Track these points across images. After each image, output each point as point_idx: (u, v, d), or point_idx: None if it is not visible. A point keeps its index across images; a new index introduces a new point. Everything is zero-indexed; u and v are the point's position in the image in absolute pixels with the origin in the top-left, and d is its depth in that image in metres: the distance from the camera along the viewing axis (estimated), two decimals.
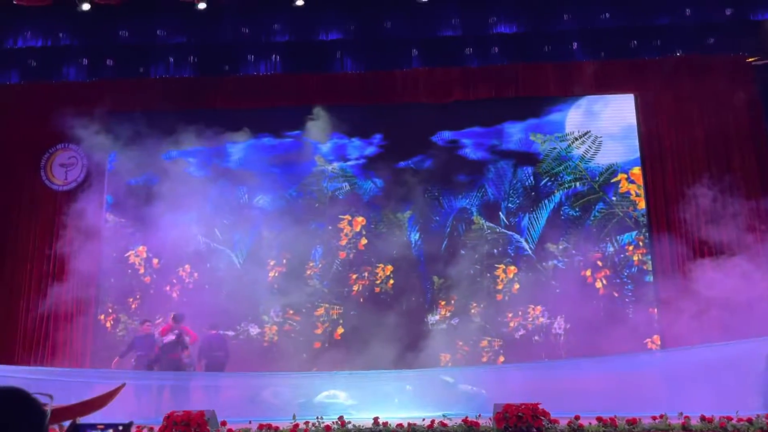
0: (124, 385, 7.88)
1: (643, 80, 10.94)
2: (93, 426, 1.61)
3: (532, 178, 11.17)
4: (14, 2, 8.87)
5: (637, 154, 11.08)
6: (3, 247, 11.13)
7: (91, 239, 11.03)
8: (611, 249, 10.82)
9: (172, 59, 10.05)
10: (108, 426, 1.58)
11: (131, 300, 11.14)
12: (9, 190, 11.29)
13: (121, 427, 1.59)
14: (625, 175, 11.04)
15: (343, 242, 11.13)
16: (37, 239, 11.25)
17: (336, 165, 11.38)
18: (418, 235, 11.12)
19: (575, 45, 10.07)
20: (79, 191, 11.28)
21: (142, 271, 11.22)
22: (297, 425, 6.79)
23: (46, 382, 7.69)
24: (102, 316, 11.10)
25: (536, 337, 10.51)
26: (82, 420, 1.55)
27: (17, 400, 1.39)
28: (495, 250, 10.96)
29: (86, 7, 9.17)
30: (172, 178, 10.88)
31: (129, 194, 11.36)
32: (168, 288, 11.12)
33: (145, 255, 11.28)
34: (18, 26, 9.52)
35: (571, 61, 10.48)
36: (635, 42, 9.91)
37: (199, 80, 10.63)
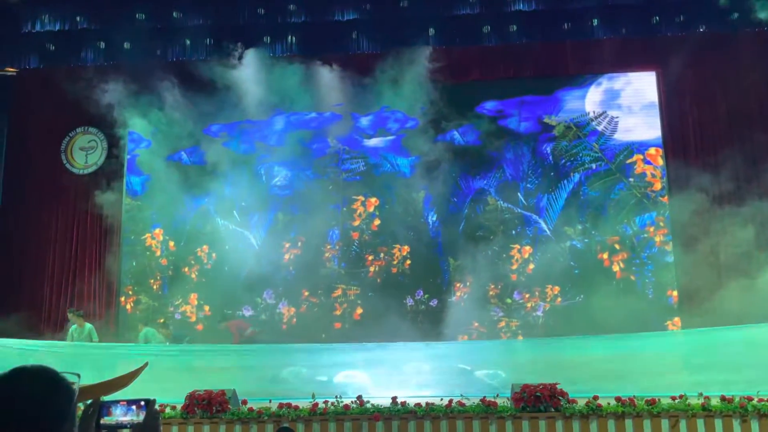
0: (146, 364, 8.03)
1: (665, 57, 10.72)
2: (116, 403, 1.64)
3: (551, 158, 11.06)
4: None
5: (658, 133, 10.91)
6: (27, 231, 11.32)
7: (110, 222, 11.19)
8: (630, 231, 10.71)
9: (188, 41, 10.06)
10: (131, 402, 1.61)
11: (151, 281, 11.30)
12: (31, 175, 11.44)
13: (143, 403, 1.61)
14: (641, 156, 10.88)
15: (357, 223, 11.15)
16: (59, 223, 11.42)
17: (345, 146, 11.33)
18: (435, 216, 11.10)
19: (595, 22, 9.90)
20: (98, 175, 11.41)
21: (158, 253, 11.35)
22: (316, 404, 6.85)
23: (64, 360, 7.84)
24: (122, 299, 11.26)
25: (553, 318, 10.48)
26: (105, 398, 1.58)
27: (47, 379, 1.41)
28: (513, 231, 10.91)
29: None
30: (191, 161, 10.96)
31: (148, 177, 11.47)
32: (186, 269, 11.24)
33: (161, 237, 11.40)
34: (36, 10, 9.58)
35: (590, 38, 10.30)
36: (657, 18, 9.71)
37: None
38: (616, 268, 10.60)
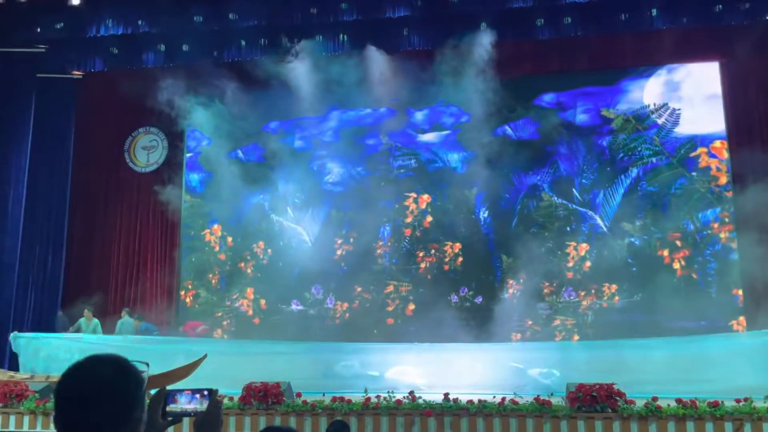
0: (206, 356, 8.30)
1: (728, 47, 10.28)
2: (180, 391, 1.72)
3: (608, 152, 10.78)
4: None
5: (722, 126, 10.48)
6: (93, 228, 11.84)
7: (170, 218, 11.60)
8: (692, 227, 10.34)
9: (243, 42, 10.30)
10: (195, 391, 1.69)
11: (210, 276, 11.64)
12: (98, 174, 11.98)
13: (206, 393, 1.69)
14: (706, 149, 10.47)
15: (409, 219, 11.16)
16: (122, 219, 11.91)
17: (398, 143, 11.34)
18: (487, 212, 11.00)
19: (654, 12, 9.59)
20: (159, 173, 11.83)
21: (217, 248, 11.67)
22: (368, 399, 6.92)
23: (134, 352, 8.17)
24: (183, 292, 11.64)
25: (610, 317, 10.23)
26: (170, 387, 1.66)
27: (119, 367, 1.48)
28: (567, 228, 10.71)
29: None
30: (248, 158, 11.24)
31: (207, 174, 11.83)
32: (243, 265, 11.52)
33: (219, 233, 11.73)
34: (101, 16, 9.99)
35: (649, 30, 9.99)
36: (720, 6, 9.32)
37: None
38: (676, 265, 10.26)
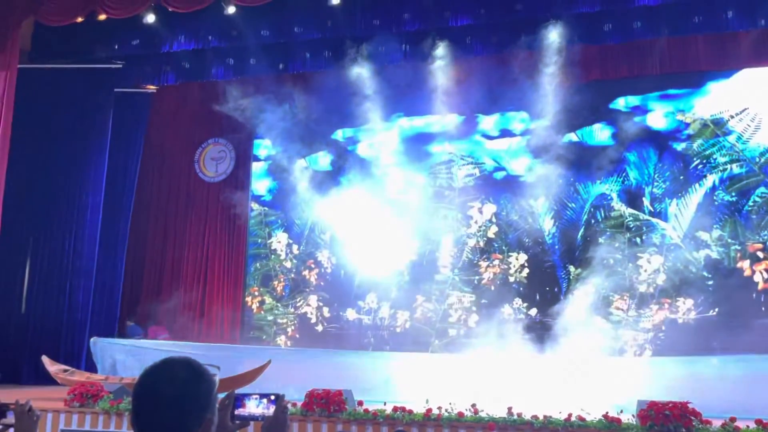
0: (269, 362, 8.46)
1: None
2: (249, 396, 1.75)
3: (681, 159, 10.34)
4: (169, 9, 9.71)
5: None
6: (165, 236, 12.32)
7: (238, 228, 11.93)
8: None
9: (308, 54, 10.52)
10: (263, 396, 1.72)
11: (275, 283, 11.86)
12: (170, 184, 12.50)
13: (273, 397, 1.71)
14: None
15: (473, 230, 11.03)
16: (192, 227, 12.34)
17: (464, 151, 11.25)
18: (552, 222, 10.75)
19: (730, 13, 9.18)
20: (228, 182, 12.20)
21: (282, 256, 11.90)
22: (430, 410, 6.86)
23: (202, 357, 8.41)
24: (249, 298, 11.93)
25: (683, 332, 9.76)
26: (239, 391, 1.70)
27: (193, 370, 1.52)
28: (637, 239, 10.31)
29: (232, 9, 9.83)
30: (314, 167, 11.47)
31: (274, 184, 12.10)
32: (306, 273, 11.69)
33: (286, 241, 11.95)
34: (173, 32, 10.43)
35: (725, 32, 9.56)
36: None
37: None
38: (758, 278, 9.68)
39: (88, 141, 11.34)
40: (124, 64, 11.31)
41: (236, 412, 1.80)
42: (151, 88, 11.99)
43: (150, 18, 10.18)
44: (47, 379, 8.97)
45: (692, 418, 6.12)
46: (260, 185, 12.34)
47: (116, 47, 10.72)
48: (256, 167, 12.39)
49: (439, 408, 6.84)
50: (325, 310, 11.47)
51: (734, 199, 10.00)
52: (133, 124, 11.88)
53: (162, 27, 10.29)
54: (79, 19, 10.11)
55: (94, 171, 11.37)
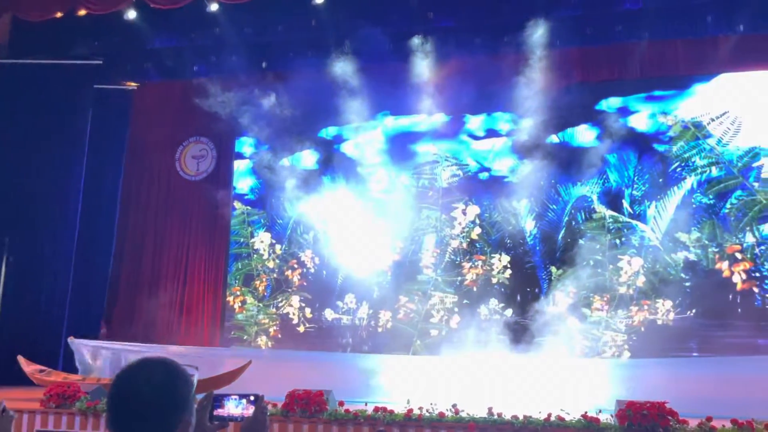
0: (250, 362, 8.41)
1: None
2: (228, 396, 1.74)
3: (660, 163, 10.45)
4: (150, 5, 9.62)
5: None
6: (145, 235, 12.13)
7: (219, 227, 11.83)
8: (752, 239, 9.90)
9: (291, 53, 10.48)
10: (242, 396, 1.71)
11: (257, 283, 11.75)
12: (150, 182, 12.31)
13: (252, 398, 1.70)
14: None
15: (456, 231, 11.06)
16: (173, 226, 12.17)
17: (448, 151, 11.28)
18: (533, 223, 10.81)
19: (709, 18, 9.32)
20: (210, 181, 12.08)
21: (265, 256, 11.82)
22: (411, 410, 6.87)
23: (182, 358, 8.35)
24: (230, 298, 11.82)
25: (662, 333, 9.86)
26: (217, 392, 1.69)
27: (170, 370, 1.51)
28: (617, 241, 10.40)
29: (215, 6, 9.77)
30: (297, 166, 11.40)
31: (255, 182, 12.02)
32: (289, 273, 11.62)
33: (268, 241, 11.87)
34: (155, 29, 10.33)
35: (704, 36, 9.70)
36: None
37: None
38: (737, 279, 9.79)
39: (66, 137, 11.18)
40: (105, 60, 11.18)
41: (215, 412, 1.78)
42: (132, 85, 11.85)
43: (131, 14, 10.08)
44: (23, 380, 8.83)
45: (669, 417, 6.20)
46: (243, 184, 12.23)
47: (96, 43, 10.60)
48: (239, 166, 12.28)
49: (420, 408, 6.86)
50: (307, 310, 11.41)
51: (712, 201, 10.14)
52: (113, 121, 11.73)
53: (143, 24, 10.18)
54: (59, 15, 9.98)
55: (73, 168, 11.21)
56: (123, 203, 11.99)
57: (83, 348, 9.66)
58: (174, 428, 1.45)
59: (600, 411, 6.64)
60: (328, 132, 11.78)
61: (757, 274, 9.79)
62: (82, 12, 10.04)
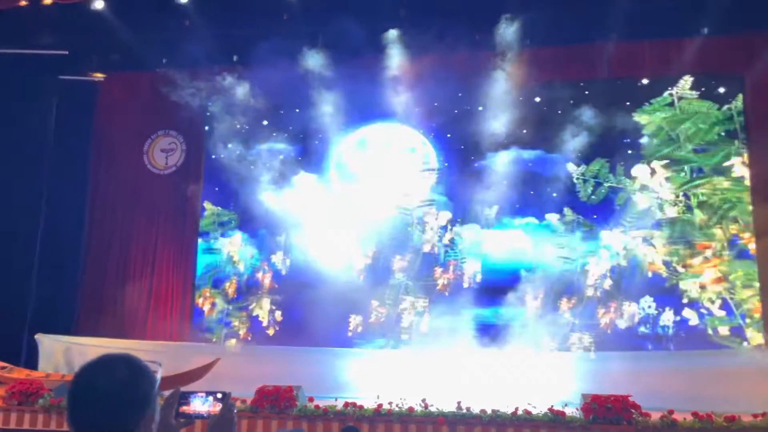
0: (218, 359, 8.34)
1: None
2: (195, 393, 1.73)
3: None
4: None
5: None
6: (112, 231, 11.83)
7: (189, 223, 11.62)
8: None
9: (263, 46, 10.37)
10: (209, 393, 1.70)
11: (227, 284, 11.52)
12: (116, 176, 11.93)
13: (220, 395, 1.70)
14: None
15: (428, 236, 11.04)
16: (141, 222, 11.85)
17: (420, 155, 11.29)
18: (506, 228, 10.83)
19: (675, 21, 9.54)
20: (179, 176, 11.81)
21: (236, 258, 11.58)
22: (380, 405, 6.90)
23: (148, 354, 8.24)
24: (200, 300, 11.56)
25: (627, 334, 10.02)
26: (184, 389, 1.67)
27: (132, 366, 1.49)
28: (586, 243, 10.52)
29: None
30: (266, 166, 11.19)
31: (227, 180, 11.63)
32: (260, 275, 11.43)
33: (239, 242, 11.65)
34: (123, 19, 10.11)
35: (668, 38, 9.93)
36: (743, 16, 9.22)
37: None
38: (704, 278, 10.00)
39: (30, 129, 10.90)
40: (70, 51, 10.91)
41: (181, 410, 1.77)
42: (99, 76, 11.58)
43: (98, 4, 9.87)
44: None
45: (632, 410, 6.35)
46: (214, 183, 11.87)
47: (62, 33, 10.35)
48: (210, 161, 11.93)
49: (390, 403, 6.89)
50: (278, 313, 11.24)
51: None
52: (79, 113, 11.46)
53: (110, 14, 9.97)
54: (23, 3, 9.71)
55: (37, 161, 10.94)
56: (90, 197, 11.71)
57: (50, 344, 9.46)
58: (136, 425, 1.44)
59: (566, 405, 6.77)
60: (301, 132, 11.52)
61: None
62: (48, 1, 9.78)
